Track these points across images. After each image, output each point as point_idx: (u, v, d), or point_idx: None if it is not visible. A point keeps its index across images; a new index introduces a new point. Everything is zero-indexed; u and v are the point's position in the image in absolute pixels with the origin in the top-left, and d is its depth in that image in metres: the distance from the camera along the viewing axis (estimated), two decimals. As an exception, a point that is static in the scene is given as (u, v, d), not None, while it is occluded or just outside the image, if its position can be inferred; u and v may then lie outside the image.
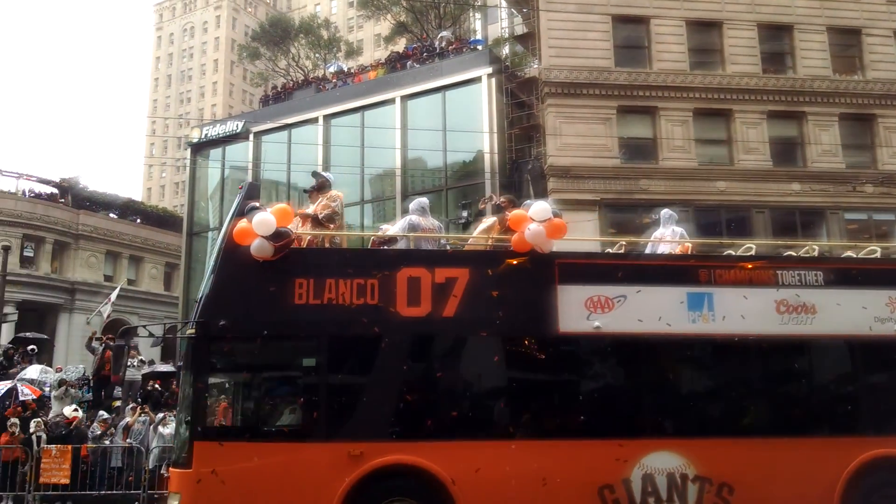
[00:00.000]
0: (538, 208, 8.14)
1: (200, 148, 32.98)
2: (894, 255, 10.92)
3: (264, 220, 7.51)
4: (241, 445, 7.40)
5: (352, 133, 27.75)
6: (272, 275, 7.77)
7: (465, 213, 21.90)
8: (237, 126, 31.34)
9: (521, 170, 25.26)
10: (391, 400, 7.73)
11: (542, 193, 23.70)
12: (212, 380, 7.79)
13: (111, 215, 44.53)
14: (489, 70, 25.83)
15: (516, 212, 8.44)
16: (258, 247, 7.55)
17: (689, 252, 9.65)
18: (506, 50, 31.10)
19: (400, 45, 37.76)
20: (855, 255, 9.91)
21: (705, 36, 25.57)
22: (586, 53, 24.43)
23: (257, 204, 7.96)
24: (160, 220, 47.55)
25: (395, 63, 30.86)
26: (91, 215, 42.32)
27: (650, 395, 8.35)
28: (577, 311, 8.04)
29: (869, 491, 8.09)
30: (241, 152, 31.14)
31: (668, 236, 10.05)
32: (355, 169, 27.42)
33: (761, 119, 24.79)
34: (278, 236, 7.58)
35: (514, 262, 8.15)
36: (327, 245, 8.65)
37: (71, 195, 42.28)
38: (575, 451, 7.69)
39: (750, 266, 8.67)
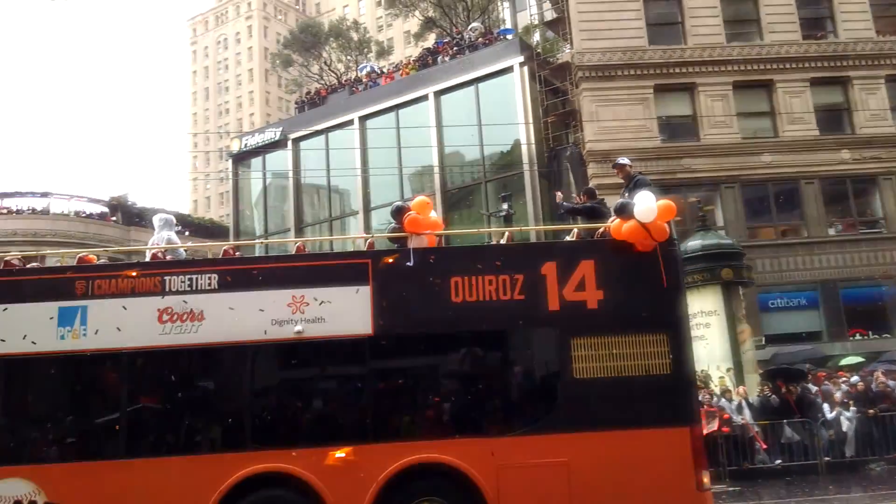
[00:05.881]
0: None
1: (241, 158, 33.50)
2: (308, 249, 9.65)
3: None
4: None
5: (387, 133, 27.87)
6: None
7: (505, 206, 21.80)
8: (275, 134, 31.73)
9: (559, 157, 25.03)
10: None
11: (582, 180, 23.51)
12: None
13: (160, 230, 45.58)
14: (521, 59, 25.61)
15: None
16: None
17: (164, 258, 8.78)
18: (536, 37, 30.84)
19: (430, 40, 37.77)
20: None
21: (740, 6, 24.97)
22: (619, 34, 24.07)
23: None
24: (208, 231, 48.54)
25: (426, 59, 30.86)
26: (142, 231, 43.41)
27: (3, 421, 7.88)
28: None
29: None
30: (280, 160, 31.54)
31: (157, 244, 9.30)
32: (393, 168, 27.54)
33: (805, 87, 24.10)
34: None
35: None
36: None
37: (121, 212, 43.41)
38: None
39: (134, 273, 7.96)
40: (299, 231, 29.80)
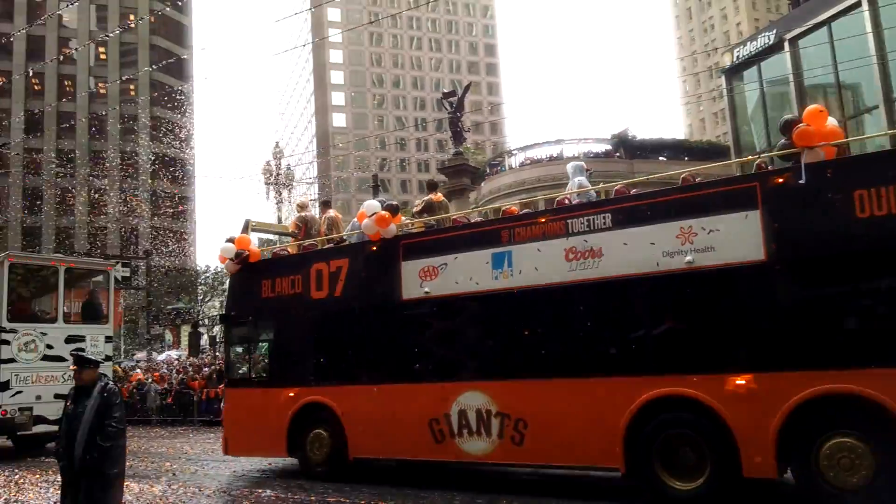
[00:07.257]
0: (367, 205, 10.68)
1: (734, 72, 32.34)
2: (700, 178, 8.93)
3: (226, 247, 12.15)
4: (242, 389, 12.09)
5: (909, 6, 23.58)
6: (250, 279, 12.07)
7: None
8: (769, 38, 29.70)
9: None
10: (308, 359, 11.33)
11: None
12: (232, 349, 12.66)
13: (661, 158, 47.15)
14: None
15: (360, 211, 10.89)
16: (227, 266, 12.33)
17: (570, 202, 9.50)
18: None
19: None
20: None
21: None
22: None
23: (231, 237, 12.33)
24: (705, 152, 48.18)
25: None
26: (644, 162, 45.58)
27: (464, 345, 9.98)
28: (414, 280, 10.04)
29: (654, 429, 7.90)
30: (776, 65, 29.40)
31: (570, 189, 10.03)
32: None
33: None
34: (237, 256, 12.07)
35: (374, 248, 10.62)
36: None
37: (623, 147, 46.25)
38: (413, 392, 9.91)
39: (543, 220, 9.06)
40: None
